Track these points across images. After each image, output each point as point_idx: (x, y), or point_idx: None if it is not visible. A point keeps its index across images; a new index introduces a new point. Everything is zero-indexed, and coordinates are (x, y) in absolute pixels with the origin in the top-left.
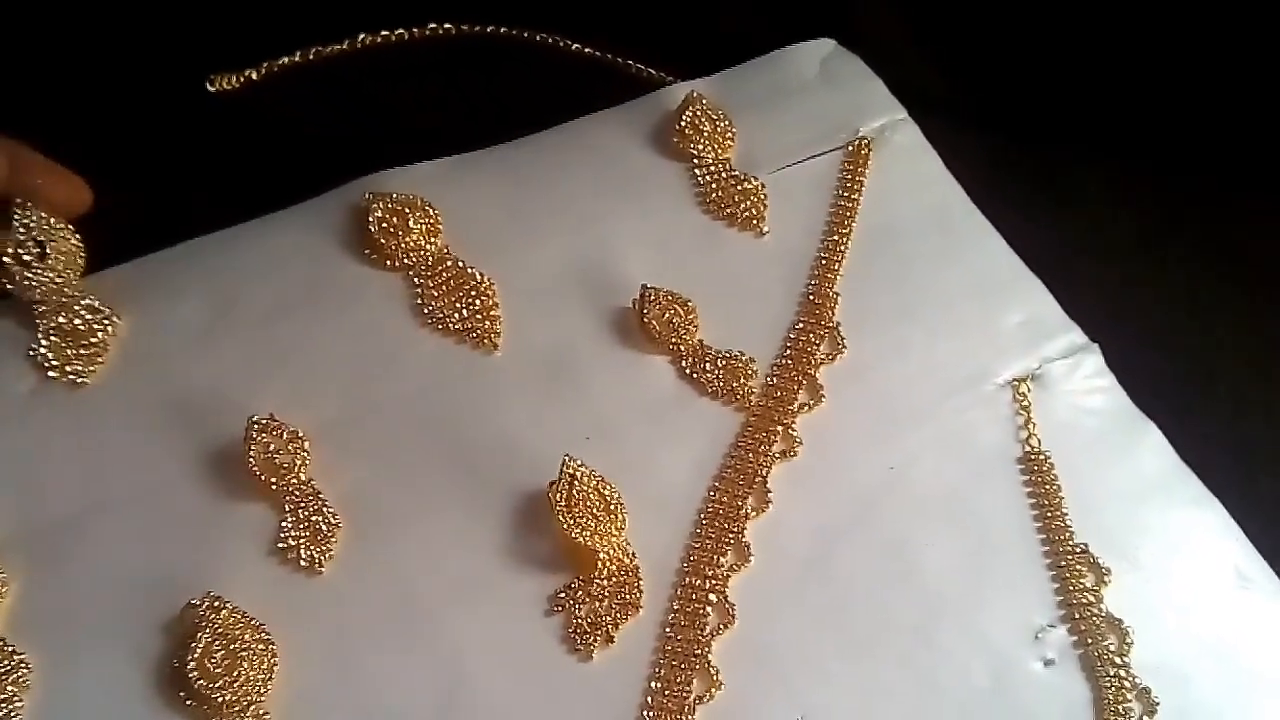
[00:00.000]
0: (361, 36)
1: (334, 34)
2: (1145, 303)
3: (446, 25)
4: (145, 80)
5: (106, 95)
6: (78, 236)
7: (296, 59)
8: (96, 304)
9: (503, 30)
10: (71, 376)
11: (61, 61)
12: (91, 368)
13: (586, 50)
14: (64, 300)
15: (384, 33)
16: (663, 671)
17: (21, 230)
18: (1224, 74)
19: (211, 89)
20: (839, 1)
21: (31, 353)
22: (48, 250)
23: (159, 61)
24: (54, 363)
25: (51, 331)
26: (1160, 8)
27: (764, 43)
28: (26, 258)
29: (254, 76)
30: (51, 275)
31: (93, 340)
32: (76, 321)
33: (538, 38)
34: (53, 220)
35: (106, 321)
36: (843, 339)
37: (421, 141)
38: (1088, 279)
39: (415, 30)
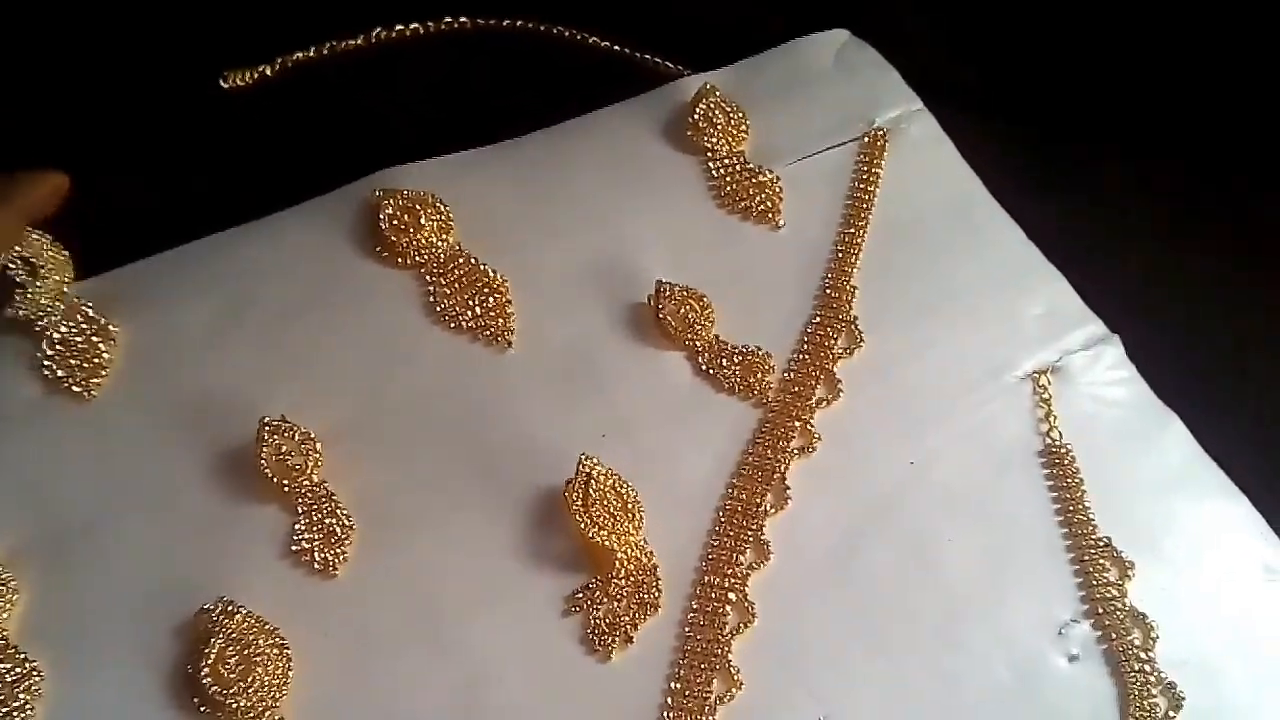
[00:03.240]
0: (376, 31)
1: (348, 29)
2: (1165, 293)
3: (461, 19)
4: (159, 77)
5: (119, 91)
6: (64, 252)
7: (310, 54)
8: (94, 314)
9: (516, 24)
10: (75, 388)
11: (74, 57)
12: (96, 380)
13: (600, 43)
14: (62, 312)
15: (398, 27)
16: (683, 671)
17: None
18: (1246, 61)
19: (225, 85)
20: None
21: (39, 365)
22: (38, 268)
23: (173, 58)
24: (59, 374)
25: (55, 344)
26: None
27: (775, 34)
28: (18, 278)
29: (268, 73)
30: (43, 290)
31: (93, 353)
32: (75, 335)
33: (553, 31)
34: (37, 237)
35: (104, 332)
36: (860, 333)
37: (434, 137)
38: (1107, 270)
39: (429, 25)
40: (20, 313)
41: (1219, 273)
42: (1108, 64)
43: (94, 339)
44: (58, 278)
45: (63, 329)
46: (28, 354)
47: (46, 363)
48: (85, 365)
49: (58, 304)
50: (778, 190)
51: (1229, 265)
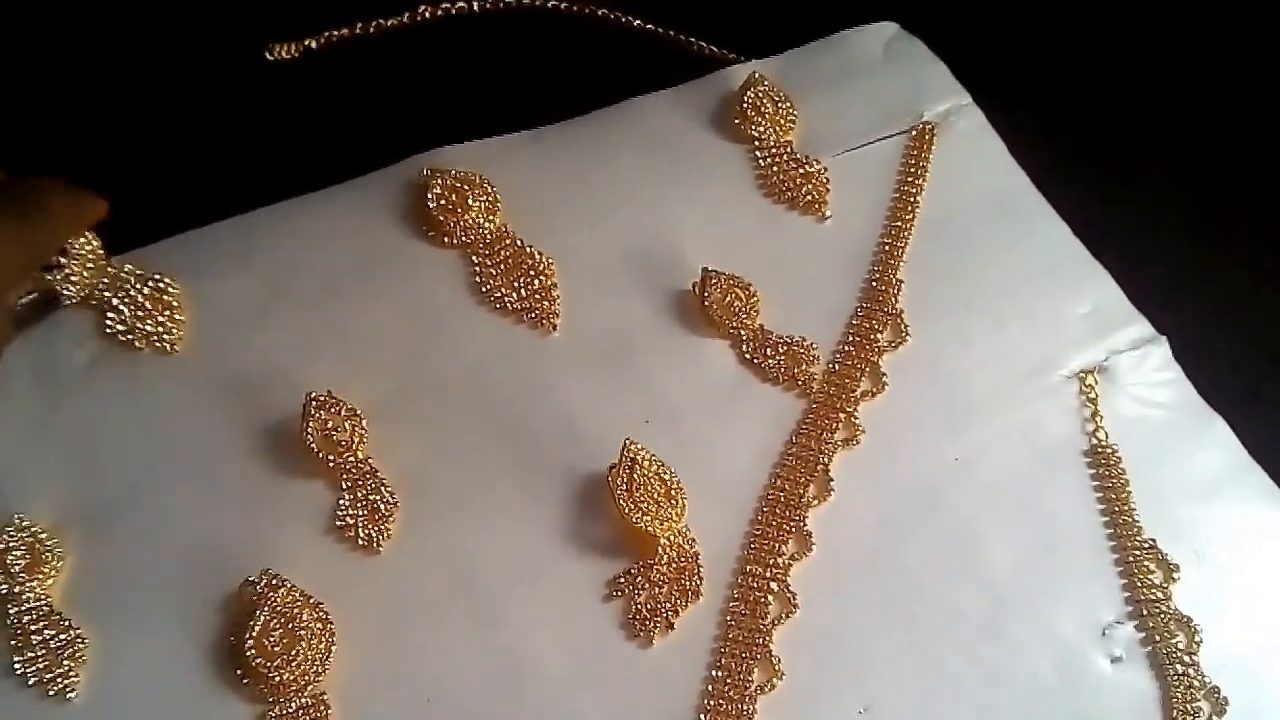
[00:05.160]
0: (422, 9)
1: (394, 6)
2: (1210, 292)
3: (507, 0)
4: (204, 48)
5: (165, 63)
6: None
7: (356, 30)
8: (144, 274)
9: (563, 5)
10: (160, 344)
11: (120, 27)
12: (177, 333)
13: (648, 26)
14: (112, 283)
15: (444, 5)
16: (724, 660)
17: None
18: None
19: (270, 58)
20: None
21: (109, 329)
22: (67, 252)
23: (218, 29)
24: (130, 339)
25: (119, 312)
26: None
27: (823, 25)
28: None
29: (313, 46)
30: (81, 268)
31: (162, 313)
32: (136, 295)
33: (599, 13)
34: None
35: (164, 285)
36: (906, 326)
37: (480, 117)
38: (1152, 268)
39: (476, 4)
40: (70, 297)
41: (1263, 272)
42: (1149, 59)
43: (162, 301)
44: (87, 251)
45: (116, 298)
46: (76, 325)
47: (119, 328)
48: (157, 326)
49: (102, 276)
50: (825, 181)
51: (1273, 263)
